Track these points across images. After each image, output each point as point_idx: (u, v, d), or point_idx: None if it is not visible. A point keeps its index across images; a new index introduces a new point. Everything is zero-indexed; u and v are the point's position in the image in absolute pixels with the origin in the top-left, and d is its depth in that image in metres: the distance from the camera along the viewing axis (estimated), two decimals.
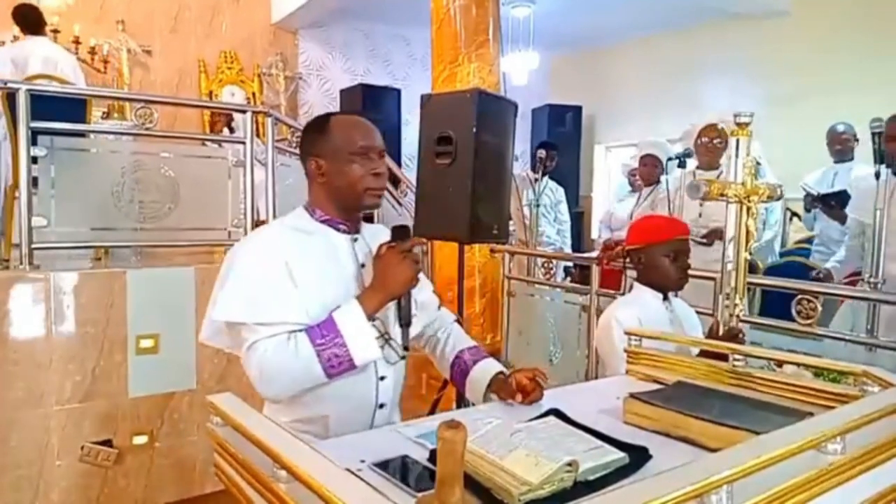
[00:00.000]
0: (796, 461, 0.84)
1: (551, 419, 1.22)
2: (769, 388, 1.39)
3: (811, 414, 1.12)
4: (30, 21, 4.46)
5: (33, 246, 2.68)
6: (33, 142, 2.77)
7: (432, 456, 1.11)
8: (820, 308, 2.36)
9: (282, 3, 6.96)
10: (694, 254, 2.11)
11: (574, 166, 7.53)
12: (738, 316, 1.84)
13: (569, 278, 5.19)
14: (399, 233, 1.42)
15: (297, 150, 1.80)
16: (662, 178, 3.93)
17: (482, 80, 4.05)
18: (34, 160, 2.79)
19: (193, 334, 2.75)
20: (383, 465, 1.08)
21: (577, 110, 7.83)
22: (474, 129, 2.54)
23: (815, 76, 5.62)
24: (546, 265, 3.92)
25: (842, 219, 3.48)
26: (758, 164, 1.87)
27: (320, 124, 1.47)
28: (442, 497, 0.71)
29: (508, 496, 0.94)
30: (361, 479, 0.81)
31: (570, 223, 5.50)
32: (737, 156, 1.79)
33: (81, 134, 3.17)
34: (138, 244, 3.15)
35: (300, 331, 1.32)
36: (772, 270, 3.56)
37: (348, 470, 0.83)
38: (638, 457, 1.09)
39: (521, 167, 6.15)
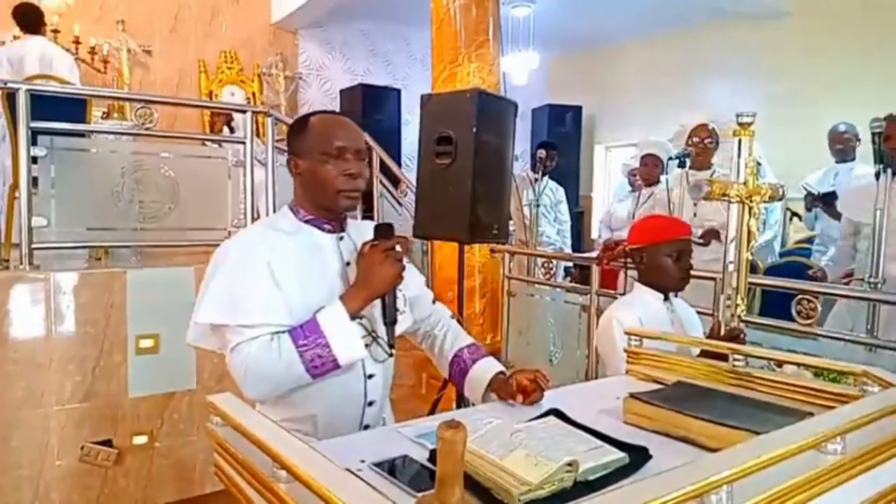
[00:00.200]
0: (796, 461, 0.84)
1: (551, 419, 1.22)
2: (769, 388, 1.38)
3: (811, 414, 1.12)
4: (30, 20, 4.45)
5: (33, 246, 2.69)
6: (33, 142, 2.78)
7: (432, 456, 1.11)
8: (820, 308, 2.37)
9: (282, 3, 6.96)
10: None
11: (574, 166, 7.53)
12: (739, 316, 1.84)
13: (569, 278, 5.20)
14: (382, 231, 1.41)
15: None
16: (662, 177, 3.93)
17: (482, 80, 4.05)
18: (34, 160, 2.79)
19: None
20: (383, 465, 1.08)
21: (577, 110, 7.83)
22: (474, 129, 2.55)
23: (816, 76, 5.62)
24: (546, 265, 3.92)
25: (840, 218, 3.48)
26: (758, 164, 1.87)
27: (301, 123, 1.46)
28: (442, 497, 0.71)
29: (508, 496, 0.94)
30: (361, 479, 0.81)
31: (570, 223, 5.50)
32: (738, 156, 1.78)
33: (81, 134, 3.18)
34: (138, 244, 3.15)
35: (284, 332, 1.32)
36: (772, 270, 3.56)
37: (348, 470, 0.83)
38: (638, 457, 1.09)
39: (521, 167, 6.15)
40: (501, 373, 1.51)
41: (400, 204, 5.19)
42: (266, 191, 3.29)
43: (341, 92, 7.20)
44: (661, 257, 2.01)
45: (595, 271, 3.17)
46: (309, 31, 7.37)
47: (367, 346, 1.39)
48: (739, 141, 1.78)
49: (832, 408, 1.13)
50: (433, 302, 1.68)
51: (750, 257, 1.84)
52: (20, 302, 2.54)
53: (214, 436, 1.04)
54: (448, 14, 4.15)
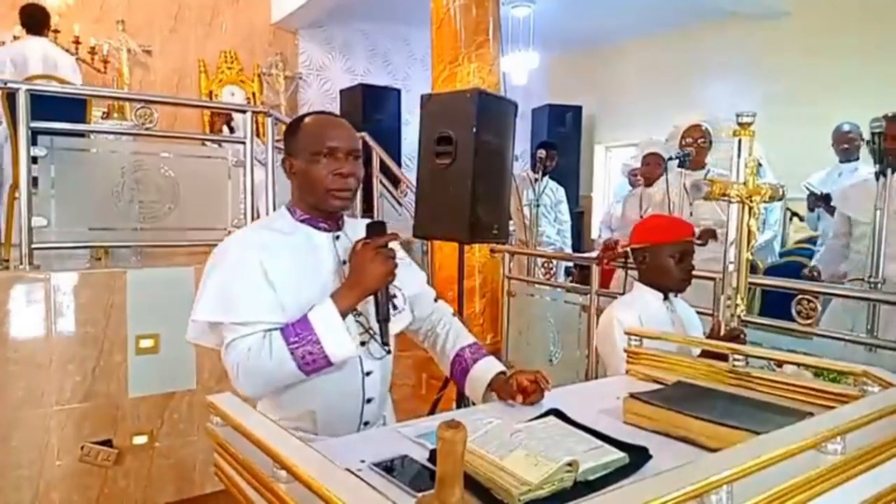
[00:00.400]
0: (796, 461, 0.84)
1: (551, 419, 1.22)
2: (769, 388, 1.39)
3: (811, 414, 1.12)
4: (35, 20, 4.45)
5: (33, 246, 2.68)
6: (33, 142, 2.78)
7: (432, 456, 1.11)
8: (820, 308, 2.36)
9: (282, 3, 6.96)
10: None
11: (574, 166, 7.53)
12: (739, 316, 1.84)
13: (569, 278, 5.20)
14: (374, 228, 1.42)
15: None
16: (663, 177, 3.93)
17: (482, 80, 4.05)
18: (34, 160, 2.79)
19: None
20: (383, 465, 1.08)
21: (577, 110, 7.83)
22: (474, 129, 2.54)
23: (816, 76, 5.62)
24: (546, 265, 3.92)
25: None
26: (758, 164, 1.87)
27: (295, 124, 1.48)
28: (442, 497, 0.71)
29: (508, 496, 0.94)
30: (361, 479, 0.81)
31: (570, 223, 5.50)
32: (738, 155, 1.78)
33: (81, 134, 3.18)
34: (138, 244, 3.15)
35: (276, 329, 1.33)
36: (772, 270, 3.56)
37: (348, 470, 0.83)
38: (638, 457, 1.09)
39: (521, 167, 6.15)
40: (502, 373, 1.51)
41: (400, 204, 5.20)
42: (266, 191, 3.29)
43: (341, 92, 7.20)
44: (664, 258, 2.00)
45: (595, 271, 3.17)
46: (309, 31, 7.37)
47: (363, 343, 1.41)
48: (739, 141, 1.78)
49: (832, 408, 1.13)
50: (435, 300, 1.68)
51: (750, 257, 1.84)
52: (20, 302, 2.54)
53: (214, 436, 1.04)
54: (448, 14, 4.15)
